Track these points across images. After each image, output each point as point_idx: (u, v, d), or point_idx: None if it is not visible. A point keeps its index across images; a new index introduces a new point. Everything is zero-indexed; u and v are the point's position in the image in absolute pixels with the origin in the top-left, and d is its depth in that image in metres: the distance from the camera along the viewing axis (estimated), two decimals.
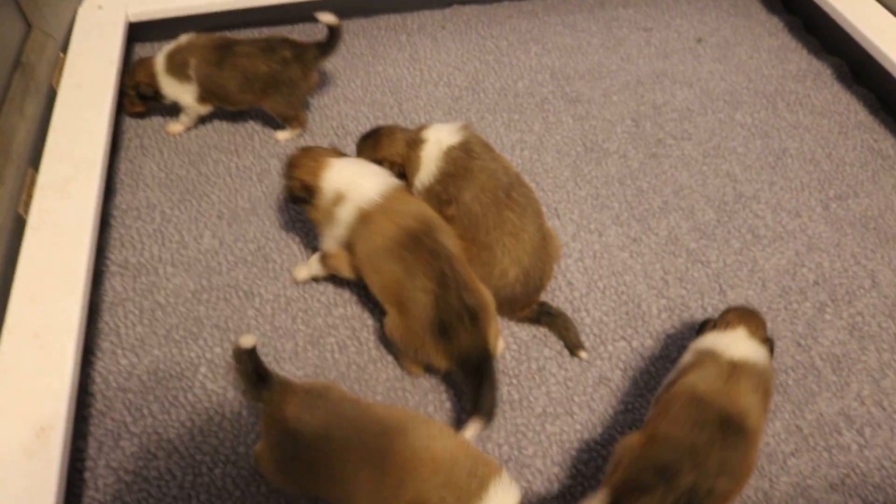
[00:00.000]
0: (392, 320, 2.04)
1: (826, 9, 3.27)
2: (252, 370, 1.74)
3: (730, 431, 1.68)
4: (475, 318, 1.94)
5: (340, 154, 2.22)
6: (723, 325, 1.94)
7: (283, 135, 2.80)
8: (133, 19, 3.05)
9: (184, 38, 2.70)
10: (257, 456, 1.90)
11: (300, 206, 2.23)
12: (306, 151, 2.20)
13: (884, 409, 2.16)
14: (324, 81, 3.01)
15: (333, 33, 2.67)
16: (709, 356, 1.85)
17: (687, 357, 1.92)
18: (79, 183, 2.38)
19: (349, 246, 2.09)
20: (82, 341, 2.07)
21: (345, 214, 2.07)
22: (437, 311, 1.93)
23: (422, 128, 2.24)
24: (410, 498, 1.58)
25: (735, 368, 1.80)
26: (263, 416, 1.77)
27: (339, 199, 2.08)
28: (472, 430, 1.90)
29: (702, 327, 2.02)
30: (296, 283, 2.36)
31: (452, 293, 1.93)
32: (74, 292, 2.12)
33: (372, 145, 2.24)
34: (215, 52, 2.64)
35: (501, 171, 2.17)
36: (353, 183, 2.08)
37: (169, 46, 2.69)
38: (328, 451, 1.65)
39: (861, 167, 2.83)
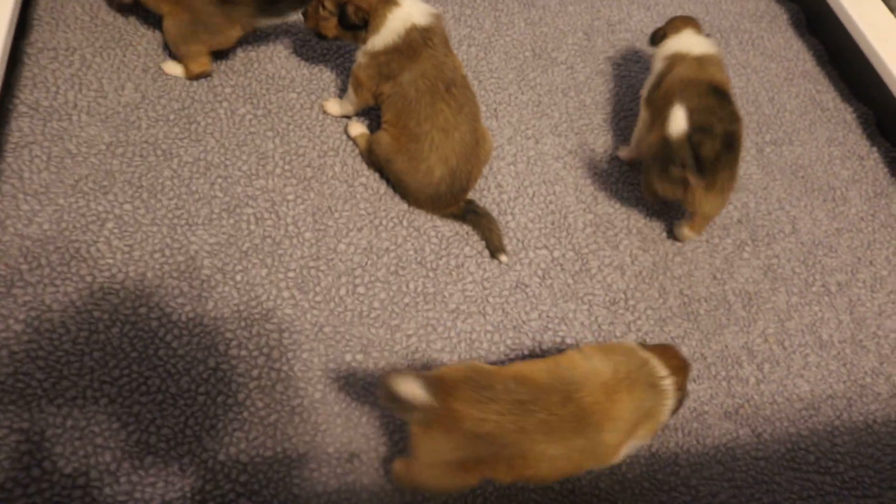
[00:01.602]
0: (171, 17, 2.24)
1: None
2: (398, 400, 1.54)
3: (721, 94, 2.21)
4: None
5: None
6: (673, 31, 2.43)
7: None
8: None
9: None
10: (400, 472, 1.72)
11: None
12: None
13: (785, 348, 2.22)
14: None
15: None
16: (677, 58, 2.33)
17: (658, 65, 2.39)
18: None
19: None
20: None
21: None
22: None
23: None
24: (637, 420, 1.65)
25: (701, 60, 2.31)
26: (423, 428, 1.57)
27: None
28: None
29: (654, 37, 2.49)
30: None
31: None
32: None
33: None
34: None
35: (449, 67, 2.10)
36: None
37: None
38: (528, 440, 1.56)
39: (800, 116, 2.84)
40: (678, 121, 2.01)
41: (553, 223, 2.31)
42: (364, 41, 2.12)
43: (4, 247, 1.96)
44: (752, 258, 2.39)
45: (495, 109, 2.55)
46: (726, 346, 2.18)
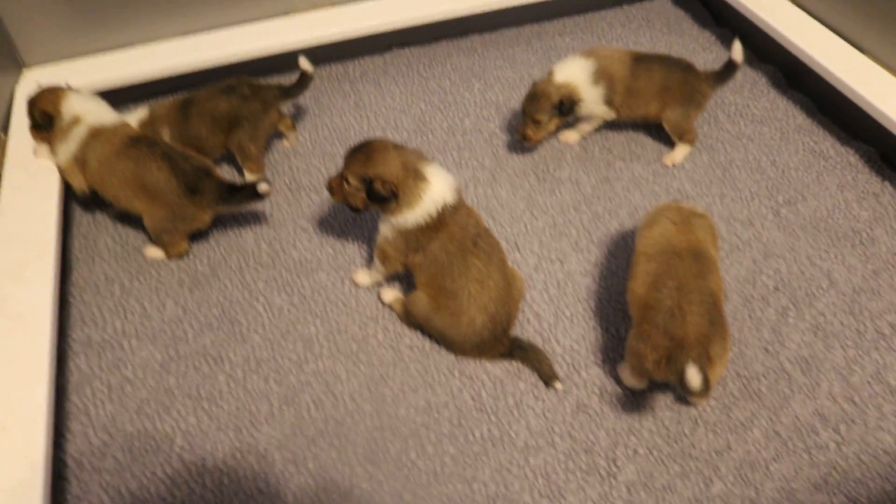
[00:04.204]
0: (148, 215, 2.47)
1: (754, 19, 3.36)
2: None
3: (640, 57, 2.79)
4: (209, 172, 2.46)
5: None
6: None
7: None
8: None
9: (146, 112, 2.79)
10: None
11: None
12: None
13: (855, 404, 2.20)
14: (271, 139, 3.01)
15: (303, 80, 2.79)
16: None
17: (594, 95, 2.83)
18: (33, 265, 2.35)
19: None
20: (52, 428, 2.02)
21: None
22: (178, 178, 2.40)
23: (418, 158, 2.18)
24: (710, 235, 2.25)
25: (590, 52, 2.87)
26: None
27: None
28: None
29: (561, 107, 2.80)
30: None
31: (182, 162, 2.43)
32: (40, 378, 2.08)
33: (362, 160, 2.16)
34: (180, 110, 2.74)
35: (472, 224, 2.19)
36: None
37: (139, 117, 2.77)
38: (705, 286, 2.05)
39: (805, 170, 2.90)
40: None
41: (597, 339, 2.35)
42: (394, 212, 2.17)
43: (85, 485, 2.02)
44: (797, 322, 2.40)
45: (515, 242, 2.63)
46: (797, 417, 2.17)
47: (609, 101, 2.84)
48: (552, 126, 2.82)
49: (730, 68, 2.83)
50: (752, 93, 3.26)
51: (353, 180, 2.18)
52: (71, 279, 2.53)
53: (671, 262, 2.07)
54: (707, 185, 2.84)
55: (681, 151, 2.93)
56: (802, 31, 3.22)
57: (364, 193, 2.18)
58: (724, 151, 2.98)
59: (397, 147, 2.19)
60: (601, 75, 2.79)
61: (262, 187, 2.41)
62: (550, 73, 2.79)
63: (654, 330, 1.98)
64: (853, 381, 2.25)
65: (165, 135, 2.73)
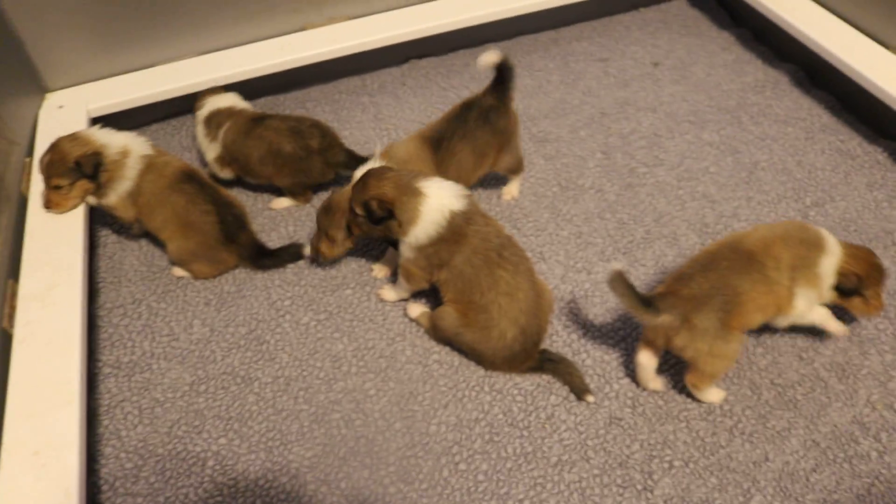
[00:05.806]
0: (176, 246, 2.50)
1: (772, 18, 3.33)
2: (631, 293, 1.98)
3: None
4: (244, 222, 2.57)
5: None
6: None
7: (280, 202, 2.82)
8: (95, 114, 3.04)
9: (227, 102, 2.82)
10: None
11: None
12: None
13: (895, 411, 2.16)
14: None
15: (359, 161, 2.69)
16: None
17: None
18: (61, 288, 2.35)
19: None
20: (84, 452, 2.02)
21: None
22: (221, 225, 2.49)
23: (414, 177, 2.17)
24: (793, 263, 2.12)
25: None
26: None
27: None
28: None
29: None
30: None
31: (226, 210, 2.50)
32: (71, 402, 2.08)
33: (360, 189, 2.18)
34: (248, 122, 2.72)
35: (493, 234, 2.17)
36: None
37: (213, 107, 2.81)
38: (729, 279, 2.04)
39: (832, 170, 2.86)
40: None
41: (627, 349, 2.32)
42: (402, 232, 2.16)
43: None
44: None
45: (541, 252, 2.61)
46: (835, 426, 2.13)
47: None
48: (349, 243, 2.45)
49: (504, 76, 2.58)
50: (774, 93, 3.23)
51: (357, 209, 2.20)
52: (98, 302, 2.53)
53: (723, 251, 2.11)
54: (733, 189, 2.80)
55: (518, 183, 2.82)
56: (823, 28, 3.18)
57: (366, 219, 2.19)
58: (749, 153, 2.94)
59: (393, 170, 2.20)
60: None
61: (305, 250, 2.60)
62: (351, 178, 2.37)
63: (660, 286, 2.11)
64: (891, 388, 2.21)
65: (221, 132, 2.71)
